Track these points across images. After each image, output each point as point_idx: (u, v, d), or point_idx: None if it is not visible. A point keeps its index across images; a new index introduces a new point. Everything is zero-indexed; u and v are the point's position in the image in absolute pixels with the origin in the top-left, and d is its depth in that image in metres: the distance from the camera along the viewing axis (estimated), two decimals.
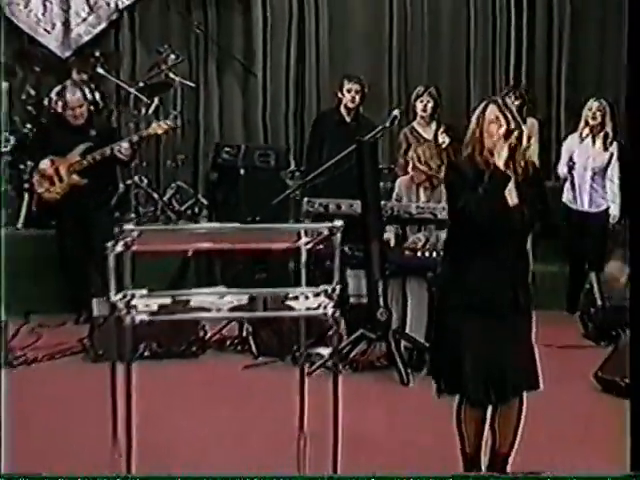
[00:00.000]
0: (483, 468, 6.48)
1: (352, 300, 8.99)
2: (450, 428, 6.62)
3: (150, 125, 11.22)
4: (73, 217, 10.52)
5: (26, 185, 11.16)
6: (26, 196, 11.21)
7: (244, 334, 9.61)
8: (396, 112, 10.15)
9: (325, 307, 5.68)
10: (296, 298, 5.78)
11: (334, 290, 5.62)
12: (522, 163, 6.23)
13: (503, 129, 6.09)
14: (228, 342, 9.57)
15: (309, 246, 5.98)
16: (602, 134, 10.74)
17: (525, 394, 6.33)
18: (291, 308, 5.84)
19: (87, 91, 11.26)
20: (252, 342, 9.45)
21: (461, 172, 6.26)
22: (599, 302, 10.17)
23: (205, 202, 11.95)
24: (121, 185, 11.45)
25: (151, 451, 5.88)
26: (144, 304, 5.61)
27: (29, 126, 11.58)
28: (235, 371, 8.84)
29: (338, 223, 6.10)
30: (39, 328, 9.99)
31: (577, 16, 13.50)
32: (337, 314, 5.75)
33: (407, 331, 9.20)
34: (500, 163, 6.01)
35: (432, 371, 6.94)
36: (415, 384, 8.49)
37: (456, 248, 6.43)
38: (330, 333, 8.56)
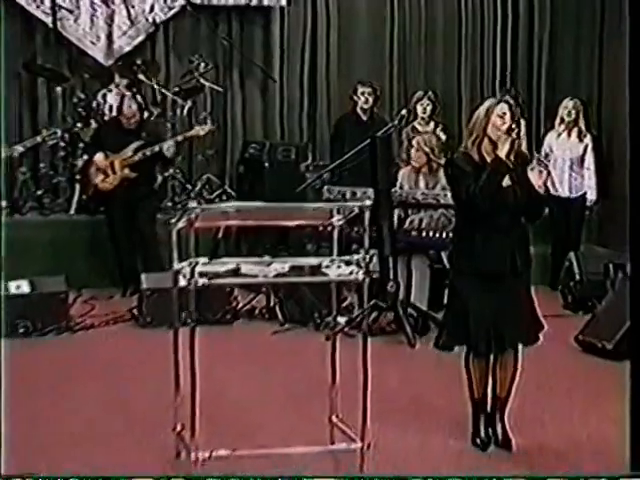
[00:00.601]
0: (488, 406, 6.61)
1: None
2: (449, 381, 7.07)
3: (193, 127, 11.47)
4: (122, 204, 10.60)
5: (78, 176, 11.29)
6: (77, 186, 11.31)
7: (272, 304, 9.75)
8: (404, 112, 10.50)
9: (357, 274, 5.98)
10: (330, 266, 6.04)
11: (364, 259, 5.91)
12: (515, 154, 6.45)
13: (506, 125, 6.30)
14: (257, 311, 9.74)
15: (341, 222, 6.23)
16: (576, 129, 10.86)
17: (521, 348, 6.56)
18: (326, 275, 6.12)
19: (140, 99, 11.37)
20: (279, 311, 9.59)
21: (460, 166, 6.48)
22: (577, 277, 10.25)
23: (232, 192, 11.97)
24: (159, 177, 11.51)
25: (205, 401, 5.93)
26: (205, 271, 5.85)
27: (79, 125, 11.58)
28: (265, 336, 9.06)
29: (367, 202, 6.41)
30: (92, 300, 10.12)
31: (555, 26, 13.43)
32: (367, 280, 6.14)
33: (412, 301, 9.40)
34: (502, 155, 6.27)
35: (446, 327, 7.13)
36: (420, 346, 8.70)
37: (463, 227, 6.71)
38: (346, 304, 9.02)
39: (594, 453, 6.51)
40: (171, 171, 11.66)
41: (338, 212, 6.31)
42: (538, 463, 6.33)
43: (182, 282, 6.18)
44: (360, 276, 6.05)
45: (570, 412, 7.16)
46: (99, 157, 10.56)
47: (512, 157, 6.39)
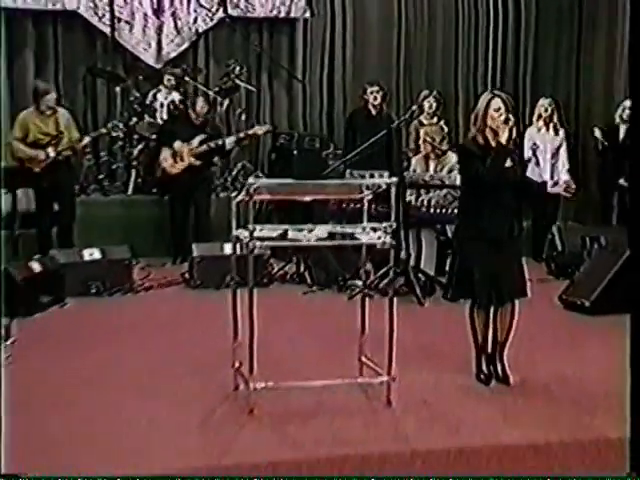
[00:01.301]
0: (489, 349, 6.81)
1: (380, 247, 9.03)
2: (454, 331, 7.30)
3: (254, 127, 11.54)
4: (185, 186, 10.72)
5: (134, 162, 11.51)
6: (133, 172, 11.51)
7: (301, 270, 9.97)
8: (414, 107, 10.80)
9: (384, 239, 6.27)
10: (362, 233, 6.33)
11: (390, 226, 6.21)
12: (513, 140, 6.67)
13: (503, 117, 6.52)
14: (288, 277, 9.92)
15: (370, 196, 6.56)
16: (552, 124, 10.97)
17: (517, 301, 6.78)
18: (358, 240, 6.41)
19: (210, 99, 11.55)
20: (307, 276, 9.83)
21: (471, 150, 6.69)
22: (559, 248, 10.44)
23: (264, 176, 11.81)
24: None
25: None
26: (260, 235, 6.12)
27: (135, 119, 11.69)
28: (297, 296, 9.33)
29: (394, 179, 6.73)
30: (147, 267, 10.31)
31: (538, 35, 13.52)
32: (393, 243, 6.41)
33: (421, 267, 9.58)
34: (503, 140, 6.50)
35: (453, 284, 7.58)
36: (428, 304, 9.00)
37: (468, 201, 6.94)
38: (361, 268, 9.18)
39: (576, 384, 6.76)
40: (215, 159, 11.61)
41: (367, 188, 6.58)
42: (531, 394, 6.53)
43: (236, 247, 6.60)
44: (387, 240, 6.29)
45: (556, 355, 7.39)
46: (177, 144, 10.67)
47: (511, 143, 6.63)
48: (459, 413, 6.20)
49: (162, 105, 11.70)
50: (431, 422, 6.02)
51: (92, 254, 9.60)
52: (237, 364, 6.43)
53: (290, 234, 6.35)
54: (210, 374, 6.69)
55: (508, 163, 6.65)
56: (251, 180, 6.31)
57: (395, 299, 6.69)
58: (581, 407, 6.30)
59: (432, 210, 9.56)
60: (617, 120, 10.99)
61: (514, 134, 6.72)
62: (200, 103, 10.91)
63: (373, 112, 11.26)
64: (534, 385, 6.75)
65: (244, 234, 6.25)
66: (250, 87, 12.40)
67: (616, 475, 5.04)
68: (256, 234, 6.11)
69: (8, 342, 7.29)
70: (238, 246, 6.72)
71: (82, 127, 11.26)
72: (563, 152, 11.01)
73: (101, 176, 11.59)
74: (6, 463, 4.91)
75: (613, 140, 11.02)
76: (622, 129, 10.84)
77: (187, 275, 9.98)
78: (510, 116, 6.59)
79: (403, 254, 9.37)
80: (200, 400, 6.28)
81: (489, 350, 6.80)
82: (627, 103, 10.84)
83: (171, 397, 6.34)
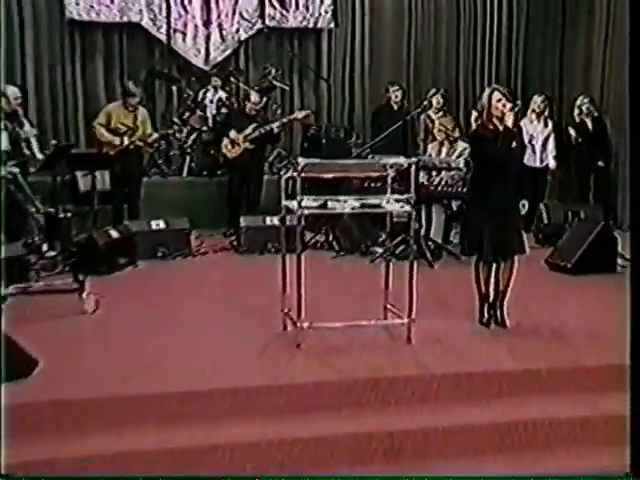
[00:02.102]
0: (490, 299, 7.00)
1: (396, 219, 8.46)
2: (458, 287, 7.52)
3: (294, 112, 11.75)
4: (241, 168, 10.76)
5: (188, 150, 11.58)
6: (187, 158, 11.60)
7: (330, 239, 9.98)
8: (425, 103, 10.70)
9: (406, 207, 6.60)
10: (388, 203, 6.61)
11: (411, 198, 6.49)
12: (517, 125, 6.89)
13: (509, 105, 6.70)
14: (319, 245, 9.92)
15: (393, 174, 6.83)
16: (542, 117, 10.97)
17: (517, 257, 6.98)
18: (385, 209, 6.69)
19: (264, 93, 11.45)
20: (335, 244, 9.88)
21: (483, 135, 6.85)
22: (545, 221, 10.50)
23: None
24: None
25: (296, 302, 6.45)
26: (306, 204, 6.42)
27: (188, 113, 11.74)
28: (327, 260, 9.43)
29: (414, 159, 7.00)
30: (200, 237, 10.30)
31: (527, 38, 13.33)
32: (413, 212, 6.65)
33: (431, 236, 9.70)
34: (509, 124, 6.68)
35: (465, 244, 7.64)
36: (437, 267, 9.14)
37: (480, 177, 7.07)
38: (381, 239, 9.24)
39: (560, 326, 6.98)
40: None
41: (391, 167, 6.86)
42: (524, 334, 6.82)
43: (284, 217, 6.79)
44: (408, 208, 6.60)
45: (544, 305, 7.59)
46: (233, 133, 10.67)
47: (515, 127, 6.82)
48: (466, 348, 6.47)
49: (211, 102, 11.71)
50: (443, 355, 6.31)
51: (158, 224, 9.75)
52: (286, 309, 6.72)
53: (329, 204, 6.58)
54: (262, 319, 6.93)
55: (514, 144, 6.84)
56: (300, 160, 6.56)
57: (408, 262, 7.02)
58: (565, 343, 6.61)
59: (441, 188, 9.65)
60: (582, 116, 10.92)
61: (518, 120, 6.94)
62: (254, 95, 10.93)
63: (395, 107, 11.36)
64: (526, 327, 6.99)
65: (293, 204, 6.50)
66: (284, 86, 12.37)
67: (616, 475, 4.91)
68: (303, 204, 6.37)
69: (83, 294, 7.43)
70: (286, 214, 6.90)
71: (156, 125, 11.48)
72: (551, 141, 11.03)
73: (160, 161, 11.61)
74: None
75: (585, 134, 10.91)
76: (588, 122, 10.85)
77: (235, 242, 10.08)
78: (512, 105, 6.76)
79: (416, 225, 9.36)
80: (256, 338, 6.55)
81: (490, 299, 6.99)
82: (579, 100, 11.02)
83: (232, 336, 6.63)
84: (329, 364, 6.11)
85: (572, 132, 10.93)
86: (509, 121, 6.72)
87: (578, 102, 11.04)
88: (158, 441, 5.24)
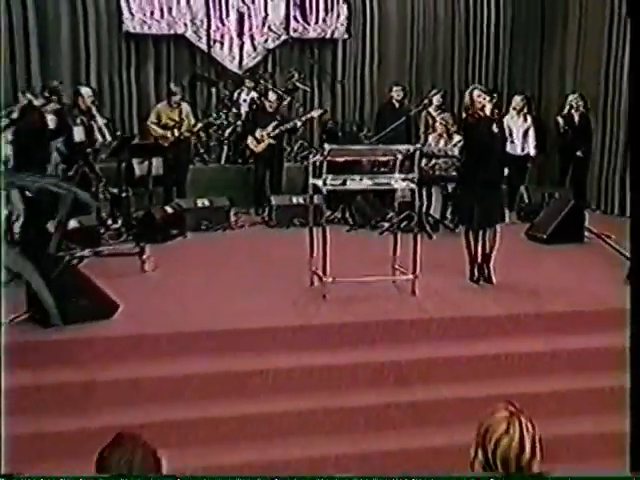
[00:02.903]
0: (479, 260, 7.25)
1: (401, 200, 8.28)
2: (452, 253, 7.63)
3: (311, 111, 11.53)
4: (265, 159, 10.62)
5: (225, 142, 11.48)
6: (225, 148, 11.48)
7: (346, 215, 9.96)
8: (425, 101, 10.75)
9: (411, 185, 6.95)
10: (396, 182, 6.98)
11: (415, 177, 6.82)
12: (496, 114, 7.25)
13: (487, 98, 7.03)
14: (335, 220, 9.72)
15: (400, 157, 7.08)
16: (522, 113, 10.81)
17: (500, 228, 7.27)
18: (392, 186, 7.10)
19: (280, 94, 11.32)
20: (350, 219, 9.91)
21: (470, 123, 7.16)
22: (526, 201, 10.47)
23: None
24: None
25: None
26: (330, 182, 6.75)
27: (225, 111, 11.65)
28: (343, 232, 9.42)
29: (418, 146, 7.32)
30: (237, 213, 10.31)
31: (512, 44, 13.08)
32: (416, 190, 6.98)
33: (431, 212, 9.76)
34: (488, 112, 7.00)
35: (458, 215, 8.13)
36: (435, 237, 9.19)
37: (470, 159, 7.33)
38: (389, 216, 9.12)
39: (536, 283, 7.23)
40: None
41: (399, 152, 7.15)
42: (506, 289, 7.12)
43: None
44: (413, 186, 6.95)
45: (523, 267, 7.79)
46: (258, 132, 10.55)
47: (495, 115, 7.14)
48: (459, 298, 6.86)
49: (244, 101, 11.61)
50: (441, 303, 6.72)
51: (203, 202, 9.82)
52: (314, 268, 7.04)
53: (348, 183, 6.94)
54: (292, 277, 7.17)
55: (495, 129, 7.10)
56: (326, 146, 6.86)
57: (412, 234, 7.09)
58: (538, 295, 6.94)
59: (439, 172, 9.60)
60: (571, 110, 10.71)
61: (497, 108, 7.27)
62: (271, 95, 10.86)
63: (396, 105, 11.21)
64: (508, 283, 7.24)
65: (319, 182, 6.81)
66: (305, 88, 12.23)
67: (616, 475, 4.67)
68: (327, 182, 6.72)
69: (144, 257, 7.73)
70: (312, 191, 7.20)
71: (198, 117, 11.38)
72: (531, 133, 10.85)
73: (202, 151, 11.49)
74: None
75: (570, 124, 10.74)
76: (576, 115, 10.70)
77: (266, 218, 10.13)
78: (490, 97, 7.14)
79: (418, 203, 8.88)
80: (289, 291, 6.89)
81: (479, 261, 7.27)
82: (571, 97, 10.74)
83: (268, 291, 6.90)
84: (349, 310, 6.48)
85: (560, 121, 10.77)
86: (488, 110, 7.01)
87: (570, 98, 10.81)
88: (215, 366, 5.68)
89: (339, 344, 6.01)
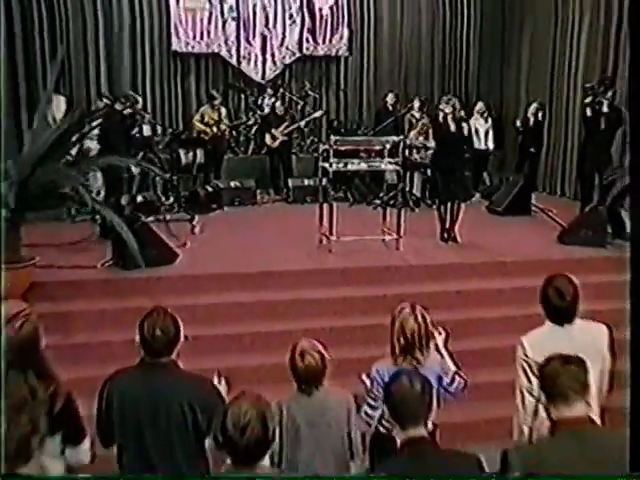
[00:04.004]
0: (447, 226, 7.57)
1: (390, 182, 9.01)
2: (429, 223, 7.87)
3: (314, 113, 11.60)
4: (279, 152, 10.77)
5: (251, 137, 11.63)
6: (252, 142, 11.61)
7: (347, 194, 10.17)
8: (410, 105, 10.93)
9: (396, 167, 7.38)
10: (385, 165, 7.41)
11: (399, 161, 7.25)
12: (457, 116, 7.55)
13: (450, 107, 7.44)
14: (339, 197, 9.62)
15: (389, 146, 7.45)
16: (484, 116, 10.94)
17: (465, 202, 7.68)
18: (382, 167, 7.52)
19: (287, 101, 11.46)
20: (350, 196, 10.17)
21: (437, 122, 7.63)
22: (488, 184, 10.99)
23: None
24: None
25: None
26: (335, 165, 7.19)
27: (251, 113, 11.79)
28: (345, 207, 9.37)
29: (402, 137, 7.62)
30: (262, 192, 10.57)
31: (480, 55, 13.00)
32: (401, 171, 7.41)
33: (413, 191, 10.04)
34: (449, 117, 7.44)
35: (430, 193, 8.43)
36: (417, 211, 9.44)
37: (439, 150, 7.85)
38: (380, 195, 9.30)
39: (492, 243, 7.59)
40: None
41: (387, 142, 7.57)
42: (468, 246, 7.48)
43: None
44: (398, 168, 7.42)
45: (482, 232, 8.05)
46: (274, 130, 10.70)
47: (455, 116, 7.50)
48: (432, 252, 7.31)
49: (267, 105, 11.59)
50: (418, 255, 7.13)
51: (235, 184, 10.14)
52: (322, 229, 7.50)
53: (349, 165, 7.44)
54: (306, 238, 7.55)
55: (453, 129, 7.48)
56: (332, 137, 7.32)
57: (396, 208, 7.53)
58: (492, 251, 7.39)
59: (419, 160, 9.89)
60: (529, 115, 10.58)
61: (456, 113, 7.55)
62: (278, 104, 11.01)
63: (390, 109, 11.28)
64: (470, 243, 7.63)
65: (326, 165, 7.26)
66: (315, 95, 12.29)
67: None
68: (333, 165, 7.21)
69: (193, 222, 8.20)
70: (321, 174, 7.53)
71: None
72: (490, 132, 10.92)
73: (233, 145, 11.51)
74: None
75: (526, 127, 10.67)
76: (531, 119, 10.53)
77: (285, 196, 10.40)
78: (452, 105, 7.53)
79: (402, 184, 8.98)
80: (304, 247, 7.37)
81: (447, 226, 7.68)
82: (534, 105, 10.53)
83: (288, 247, 7.33)
84: (348, 259, 6.95)
85: (518, 123, 10.80)
86: (449, 115, 7.47)
87: (532, 106, 10.58)
88: (249, 298, 6.22)
89: (341, 283, 6.42)
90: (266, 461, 2.49)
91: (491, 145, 11.06)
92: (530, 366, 3.37)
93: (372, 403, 3.53)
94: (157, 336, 3.03)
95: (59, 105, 8.87)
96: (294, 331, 5.28)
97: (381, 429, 3.60)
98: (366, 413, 3.52)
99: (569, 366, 2.56)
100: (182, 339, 3.16)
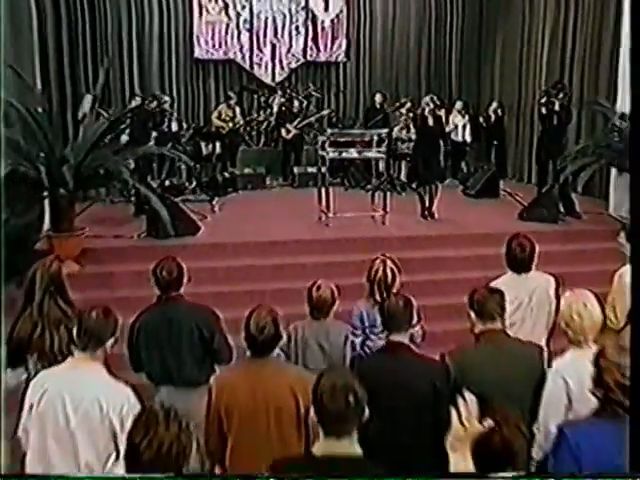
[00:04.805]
0: (426, 204, 7.79)
1: (380, 170, 8.81)
2: (412, 203, 8.10)
3: (322, 111, 11.81)
4: (292, 144, 10.86)
5: (262, 131, 11.63)
6: (262, 135, 11.68)
7: (344, 179, 10.26)
8: (397, 104, 11.05)
9: (383, 155, 7.67)
10: (373, 152, 7.68)
11: (386, 150, 7.62)
12: (436, 113, 7.73)
13: (431, 105, 7.63)
14: (337, 183, 9.74)
15: (376, 138, 7.70)
16: (461, 113, 11.01)
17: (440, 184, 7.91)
18: (370, 155, 7.78)
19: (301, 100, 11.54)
20: (346, 182, 10.30)
21: (416, 121, 7.96)
22: (465, 171, 10.96)
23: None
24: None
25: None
26: (332, 153, 7.46)
27: (262, 111, 11.77)
28: (341, 190, 9.51)
29: (387, 130, 8.01)
30: (272, 178, 10.59)
31: (461, 62, 12.98)
32: (388, 161, 7.69)
33: (401, 177, 10.19)
34: (427, 111, 7.65)
35: (413, 179, 8.48)
36: (403, 195, 9.47)
37: (418, 140, 8.06)
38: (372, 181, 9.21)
39: (465, 220, 7.71)
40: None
41: (375, 135, 7.86)
42: (445, 221, 7.71)
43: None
44: (384, 156, 7.75)
45: (458, 210, 8.26)
46: (288, 125, 10.79)
47: (433, 113, 7.71)
48: (412, 226, 7.61)
49: (276, 104, 11.64)
50: (401, 229, 7.43)
51: (248, 171, 10.39)
52: (321, 208, 7.73)
53: (343, 153, 7.77)
54: (307, 215, 7.79)
55: (430, 122, 7.72)
56: (329, 130, 7.70)
57: (383, 192, 7.80)
58: (463, 226, 7.65)
59: (405, 151, 9.92)
60: (490, 112, 10.76)
61: (435, 109, 7.77)
62: (296, 102, 11.28)
63: (378, 107, 11.28)
64: (446, 220, 7.86)
65: (324, 153, 7.56)
66: (318, 95, 12.31)
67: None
68: (329, 153, 7.53)
69: (213, 202, 8.41)
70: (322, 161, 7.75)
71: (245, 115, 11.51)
72: (468, 126, 10.99)
73: (247, 137, 11.55)
74: None
75: (488, 122, 10.73)
76: (492, 116, 10.66)
77: (291, 181, 10.51)
78: (426, 103, 7.76)
79: (391, 170, 9.73)
80: (305, 222, 7.64)
81: (426, 205, 7.93)
82: (494, 104, 10.72)
83: (292, 222, 7.68)
84: (342, 232, 7.25)
85: (481, 120, 11.12)
86: (427, 109, 7.74)
87: (492, 105, 10.85)
88: (260, 262, 6.59)
89: (336, 250, 6.73)
90: (275, 353, 3.01)
91: (468, 138, 11.17)
92: None
93: (356, 332, 3.92)
94: (163, 276, 3.64)
95: (85, 103, 8.98)
96: (297, 289, 5.24)
97: (362, 353, 3.98)
98: (352, 341, 3.91)
99: (495, 295, 3.04)
100: (186, 280, 3.75)
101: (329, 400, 2.14)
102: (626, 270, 3.89)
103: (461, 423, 2.06)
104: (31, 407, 2.84)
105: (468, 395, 2.07)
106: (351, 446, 2.18)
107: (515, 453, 2.04)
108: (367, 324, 3.92)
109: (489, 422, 2.04)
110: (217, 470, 2.89)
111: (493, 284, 3.72)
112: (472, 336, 3.13)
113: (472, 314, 3.09)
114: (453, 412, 2.10)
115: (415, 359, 3.01)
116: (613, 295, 4.01)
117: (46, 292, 3.37)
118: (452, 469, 2.06)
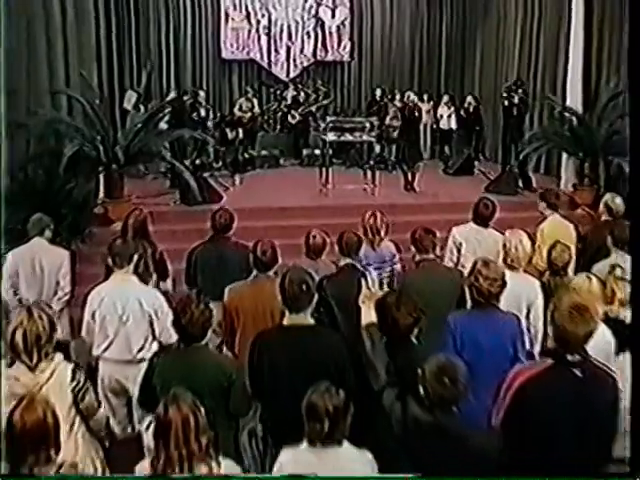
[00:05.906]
0: (410, 179, 8.09)
1: (376, 152, 9.05)
2: (398, 181, 8.36)
3: (323, 100, 11.91)
4: (300, 129, 11.13)
5: (278, 119, 11.74)
6: (278, 123, 11.75)
7: (343, 159, 10.19)
8: (389, 96, 11.32)
9: (374, 139, 8.06)
10: (366, 136, 8.05)
11: (375, 134, 7.94)
12: (419, 106, 8.21)
13: (416, 98, 8.09)
14: (338, 163, 9.79)
15: (368, 125, 8.02)
16: (447, 105, 11.13)
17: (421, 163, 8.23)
18: (362, 138, 8.13)
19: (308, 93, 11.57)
20: (347, 161, 10.26)
21: (403, 111, 8.29)
22: (447, 153, 10.96)
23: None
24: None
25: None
26: (331, 137, 7.85)
27: (277, 102, 11.98)
28: (342, 170, 9.60)
29: (375, 117, 8.46)
30: (285, 160, 10.77)
31: (449, 60, 13.01)
32: (375, 142, 7.91)
33: (392, 158, 9.90)
34: (411, 104, 8.07)
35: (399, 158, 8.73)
36: (394, 173, 9.39)
37: (402, 128, 8.46)
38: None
39: (444, 193, 7.88)
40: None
41: (368, 122, 8.22)
42: (424, 195, 7.90)
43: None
44: (374, 139, 8.11)
45: (437, 186, 8.41)
46: (293, 112, 11.14)
47: (415, 105, 8.08)
48: (396, 197, 7.90)
49: (291, 97, 11.81)
50: (387, 198, 7.64)
51: (265, 152, 10.46)
52: (322, 182, 8.09)
53: (341, 137, 8.14)
54: (311, 188, 8.05)
55: (416, 113, 8.09)
56: (328, 117, 8.14)
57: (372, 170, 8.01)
58: (439, 197, 7.93)
59: (395, 136, 9.73)
60: (466, 104, 10.76)
61: (415, 101, 8.17)
62: (302, 94, 11.43)
63: (378, 99, 11.45)
64: (424, 192, 8.14)
65: (324, 137, 7.97)
66: (324, 89, 12.29)
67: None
68: (330, 136, 7.92)
69: (234, 177, 8.72)
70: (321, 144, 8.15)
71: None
72: (453, 116, 11.02)
73: (264, 125, 11.59)
74: None
75: (467, 113, 10.73)
76: (470, 108, 10.64)
77: (300, 161, 10.69)
78: (412, 95, 8.13)
79: (384, 153, 9.88)
80: (309, 193, 7.93)
81: (409, 179, 8.24)
82: (468, 97, 10.70)
83: (299, 192, 7.94)
84: (340, 200, 7.60)
85: (462, 112, 11.23)
86: (411, 103, 8.16)
87: (467, 99, 10.89)
88: (272, 223, 6.85)
89: (334, 215, 6.96)
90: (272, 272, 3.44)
91: (454, 126, 11.21)
92: (455, 243, 4.41)
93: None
94: (220, 221, 4.24)
95: (131, 98, 9.20)
96: (300, 245, 5.58)
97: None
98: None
99: (429, 234, 3.69)
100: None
101: (289, 288, 2.75)
102: (545, 224, 4.84)
103: (368, 288, 2.85)
104: (93, 313, 3.53)
105: (370, 275, 2.87)
106: (306, 318, 2.83)
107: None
108: (364, 262, 4.19)
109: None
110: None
111: (457, 229, 4.37)
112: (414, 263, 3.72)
113: (412, 248, 3.66)
114: (363, 282, 2.86)
115: None
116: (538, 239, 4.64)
117: (136, 232, 4.13)
118: (363, 319, 2.71)
